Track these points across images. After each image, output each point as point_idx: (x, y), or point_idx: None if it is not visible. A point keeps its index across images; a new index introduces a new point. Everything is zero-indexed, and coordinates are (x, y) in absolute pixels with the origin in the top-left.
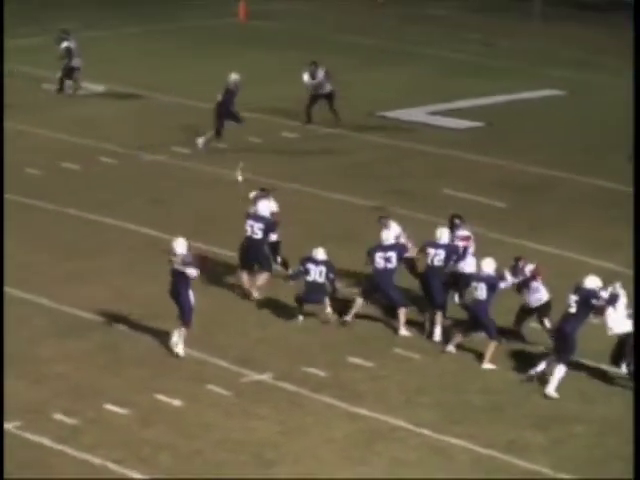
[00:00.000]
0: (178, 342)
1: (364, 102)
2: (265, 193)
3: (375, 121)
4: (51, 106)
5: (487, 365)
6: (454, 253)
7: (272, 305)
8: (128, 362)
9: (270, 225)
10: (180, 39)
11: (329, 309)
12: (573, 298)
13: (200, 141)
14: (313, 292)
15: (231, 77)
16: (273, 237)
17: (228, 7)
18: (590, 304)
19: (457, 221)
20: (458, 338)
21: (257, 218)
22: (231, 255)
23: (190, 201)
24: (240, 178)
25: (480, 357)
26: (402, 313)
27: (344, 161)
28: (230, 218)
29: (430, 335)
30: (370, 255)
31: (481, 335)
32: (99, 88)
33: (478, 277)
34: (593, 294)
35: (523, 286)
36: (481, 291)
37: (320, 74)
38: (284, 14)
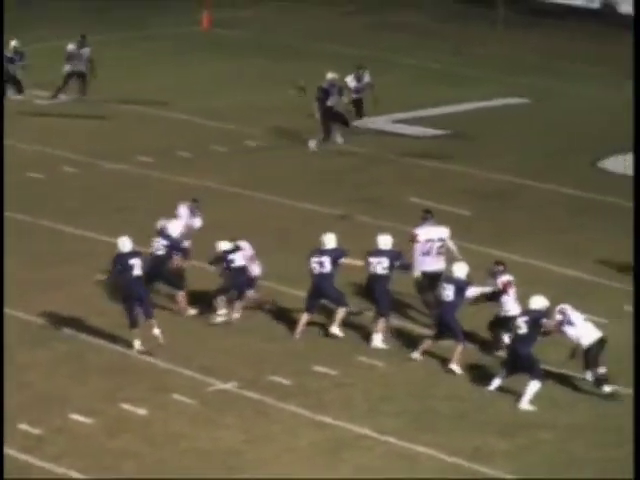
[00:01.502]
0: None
1: None
2: (196, 204)
3: (340, 129)
4: (15, 116)
5: (453, 366)
6: (397, 259)
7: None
8: (93, 371)
9: (175, 244)
10: (144, 47)
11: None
12: (522, 319)
13: (311, 144)
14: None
15: (327, 76)
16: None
17: (192, 15)
18: (540, 324)
19: (428, 215)
20: (425, 345)
21: (163, 235)
22: (194, 263)
23: (154, 210)
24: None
25: (445, 364)
26: (341, 312)
27: (310, 169)
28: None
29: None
30: (308, 259)
31: (448, 343)
32: (62, 97)
33: (448, 279)
34: (542, 314)
35: (493, 297)
36: (449, 292)
37: (367, 77)
38: (248, 22)
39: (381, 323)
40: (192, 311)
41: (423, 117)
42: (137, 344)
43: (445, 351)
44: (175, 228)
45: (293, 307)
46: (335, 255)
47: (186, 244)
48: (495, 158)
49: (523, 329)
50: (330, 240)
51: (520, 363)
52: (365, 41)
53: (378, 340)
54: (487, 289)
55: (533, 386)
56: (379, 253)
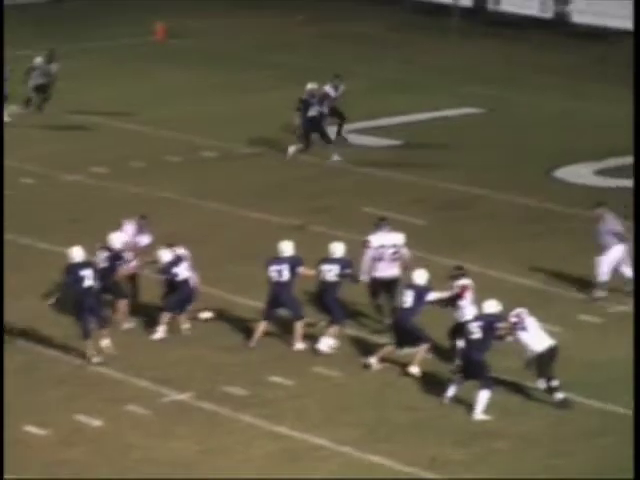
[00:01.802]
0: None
1: (284, 120)
2: (144, 221)
3: (294, 139)
4: None
5: (412, 369)
6: (347, 267)
7: (192, 324)
8: (47, 382)
9: (117, 256)
10: (99, 58)
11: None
12: (476, 324)
13: (290, 150)
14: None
15: (307, 87)
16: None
17: (146, 26)
18: (493, 329)
19: (382, 222)
20: (384, 352)
21: (105, 249)
22: (148, 274)
23: (109, 221)
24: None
25: (403, 372)
26: (298, 326)
27: (264, 180)
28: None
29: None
30: (265, 267)
31: (407, 351)
32: (16, 109)
33: (408, 285)
34: (495, 319)
35: (450, 302)
36: (408, 298)
37: (341, 88)
38: (202, 32)
39: (333, 329)
40: (127, 324)
41: (377, 127)
42: (92, 355)
43: (402, 360)
44: (117, 240)
45: (248, 317)
46: (293, 263)
47: (130, 256)
48: (450, 168)
49: (477, 334)
50: (288, 247)
51: (472, 369)
52: (318, 51)
53: (324, 344)
54: (446, 294)
55: (483, 395)
56: (330, 261)
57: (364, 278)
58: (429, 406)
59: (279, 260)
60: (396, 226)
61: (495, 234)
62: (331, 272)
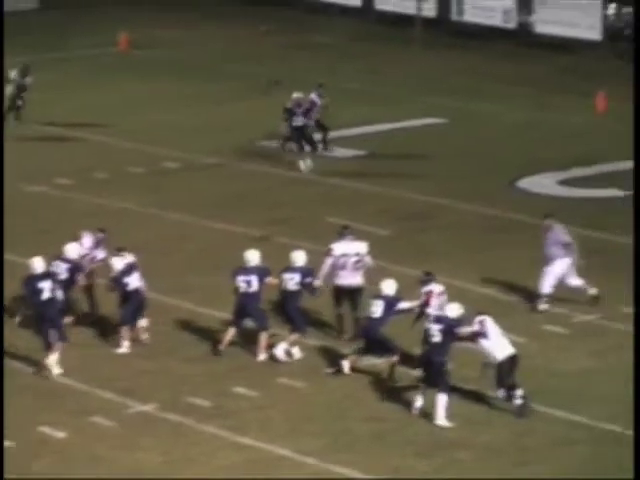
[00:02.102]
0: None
1: (247, 131)
2: (102, 235)
3: (257, 150)
4: None
5: (390, 383)
6: (308, 276)
7: (156, 335)
8: (12, 395)
9: (76, 267)
10: (63, 69)
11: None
12: (436, 327)
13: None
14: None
15: (292, 96)
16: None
17: (110, 36)
18: (453, 332)
19: (345, 231)
20: (351, 361)
21: (63, 259)
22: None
23: (74, 232)
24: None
25: (365, 384)
26: (263, 337)
27: (227, 190)
28: (109, 246)
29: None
30: (233, 277)
31: (375, 361)
32: None
33: (377, 295)
34: (456, 323)
35: (421, 310)
36: (377, 308)
37: (325, 98)
38: (166, 43)
39: (293, 336)
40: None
41: (341, 137)
42: (53, 366)
43: (363, 372)
44: (73, 251)
45: (212, 328)
46: (262, 274)
47: (85, 267)
48: (414, 178)
49: (436, 337)
50: (254, 257)
51: (432, 373)
52: (283, 62)
53: (280, 350)
54: (415, 303)
55: (441, 400)
56: (291, 270)
57: (318, 283)
58: (393, 417)
59: (247, 270)
60: (360, 236)
61: (459, 244)
62: (292, 281)
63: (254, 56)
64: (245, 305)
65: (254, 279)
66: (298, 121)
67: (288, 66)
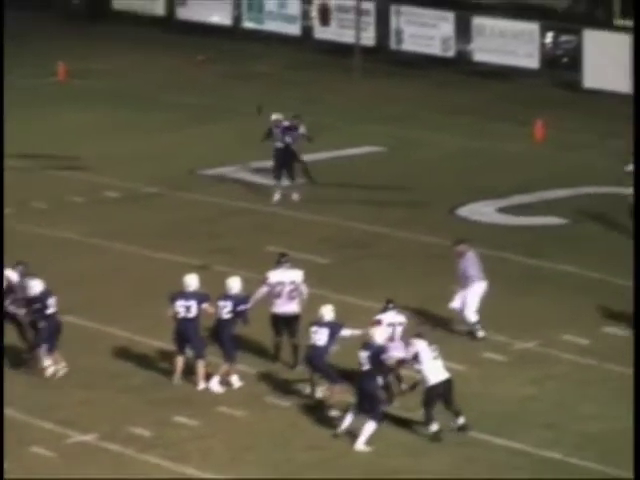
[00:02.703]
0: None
1: (186, 160)
2: (24, 267)
3: (197, 179)
4: None
5: (333, 413)
6: (241, 304)
7: (95, 365)
8: None
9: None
10: (5, 99)
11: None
12: (364, 355)
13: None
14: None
15: (272, 117)
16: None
17: (48, 67)
18: (380, 360)
19: (283, 259)
20: (312, 387)
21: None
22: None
23: (12, 262)
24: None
25: (306, 412)
26: (200, 366)
27: (167, 220)
28: (50, 276)
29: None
30: (171, 302)
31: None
32: None
33: (319, 323)
34: (382, 349)
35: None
36: (321, 335)
37: (302, 129)
38: (104, 73)
39: (224, 367)
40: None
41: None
42: None
43: (306, 400)
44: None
45: (152, 357)
46: (200, 299)
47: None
48: (353, 207)
49: (365, 365)
50: (193, 281)
51: (364, 400)
52: (220, 91)
53: (214, 384)
54: (358, 332)
55: (369, 427)
56: (225, 297)
57: (248, 307)
58: (334, 445)
59: (186, 296)
60: (300, 265)
61: (399, 272)
62: (225, 309)
63: (192, 86)
64: (184, 331)
65: (193, 304)
66: (278, 143)
67: (227, 95)
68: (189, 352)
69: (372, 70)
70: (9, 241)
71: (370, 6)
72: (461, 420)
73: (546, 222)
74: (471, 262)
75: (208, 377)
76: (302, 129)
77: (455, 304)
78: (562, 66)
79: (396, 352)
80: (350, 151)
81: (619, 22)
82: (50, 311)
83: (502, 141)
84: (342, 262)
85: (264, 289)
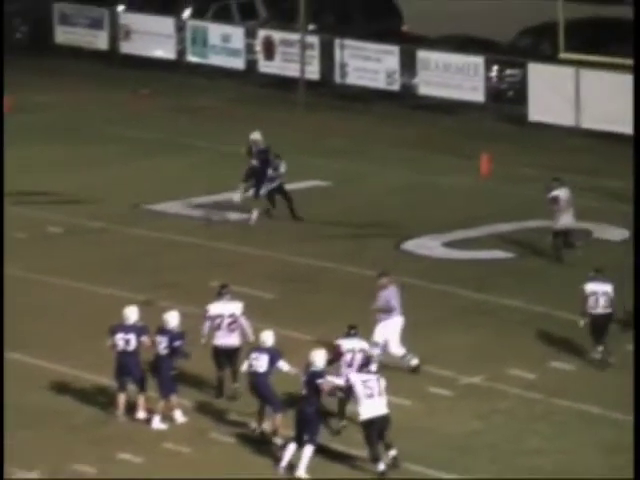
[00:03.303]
0: None
1: (130, 195)
2: None
3: (141, 214)
4: None
5: (277, 439)
6: (177, 339)
7: (40, 403)
8: None
9: None
10: None
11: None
12: (302, 379)
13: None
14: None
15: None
16: None
17: None
18: (315, 384)
19: (223, 290)
20: (264, 424)
21: None
22: None
23: None
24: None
25: (251, 446)
26: (141, 401)
27: (111, 255)
28: None
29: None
30: (111, 335)
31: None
32: None
33: (260, 349)
34: (319, 374)
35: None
36: (262, 362)
37: (282, 168)
38: (49, 106)
39: (162, 403)
40: None
41: (222, 201)
42: None
43: (251, 433)
44: None
45: (95, 394)
46: (139, 332)
47: None
48: (297, 241)
49: (303, 390)
50: (133, 314)
51: (302, 425)
52: (164, 125)
53: (156, 422)
54: (294, 370)
55: (307, 451)
56: (162, 332)
57: (182, 343)
58: (280, 477)
59: (126, 328)
60: (244, 300)
61: (344, 307)
62: (162, 345)
63: (136, 120)
64: (124, 364)
65: (132, 337)
66: (253, 161)
67: (171, 129)
68: (131, 387)
69: (317, 104)
70: None
71: (314, 40)
72: (392, 453)
73: (492, 256)
74: (394, 294)
75: (150, 412)
76: (282, 168)
77: (377, 338)
78: (507, 100)
79: (336, 378)
80: (295, 185)
81: (564, 56)
82: None
83: (447, 175)
84: (287, 297)
85: (207, 323)
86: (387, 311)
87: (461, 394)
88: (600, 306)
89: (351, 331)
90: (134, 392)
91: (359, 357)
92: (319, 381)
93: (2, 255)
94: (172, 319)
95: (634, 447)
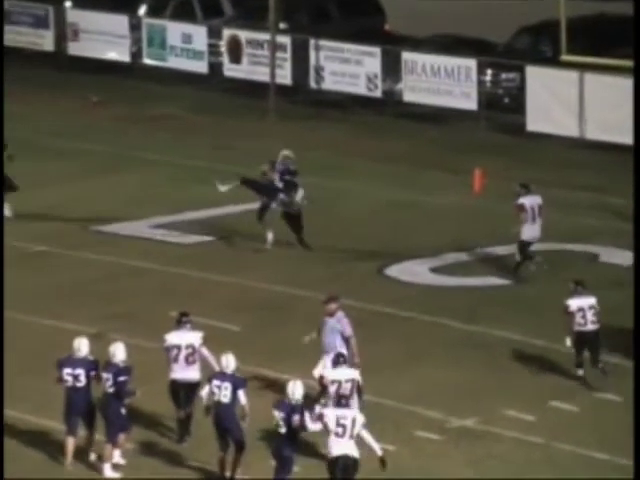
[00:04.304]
0: None
1: (79, 215)
2: None
3: (91, 236)
4: None
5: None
6: (122, 375)
7: None
8: None
9: None
10: None
11: None
12: (280, 415)
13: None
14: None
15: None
16: None
17: None
18: (293, 421)
19: (183, 318)
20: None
21: None
22: None
23: None
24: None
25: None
26: (107, 449)
27: (58, 281)
28: None
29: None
30: (58, 369)
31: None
32: None
33: (222, 376)
34: (297, 408)
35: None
36: (225, 392)
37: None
38: None
39: (108, 448)
40: None
41: (184, 221)
42: None
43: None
44: None
45: (41, 438)
46: (89, 367)
47: None
48: (266, 266)
49: (282, 428)
50: (83, 346)
51: (279, 464)
52: (117, 137)
53: (108, 471)
54: (245, 409)
55: None
56: (107, 368)
57: (126, 379)
58: None
59: (74, 363)
60: (208, 332)
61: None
62: (108, 382)
63: (86, 131)
64: (74, 402)
65: (81, 373)
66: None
67: (125, 142)
68: (80, 430)
69: (289, 112)
70: None
71: (286, 40)
72: None
73: (485, 283)
74: (346, 322)
75: (100, 459)
76: (300, 193)
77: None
78: (503, 107)
79: (312, 421)
80: None
81: (566, 58)
82: None
83: (436, 193)
84: (254, 328)
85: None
86: (332, 342)
87: (451, 438)
88: (589, 321)
89: (339, 359)
90: (85, 435)
91: (347, 387)
92: (295, 418)
93: (2, 265)
94: (118, 352)
95: (634, 448)
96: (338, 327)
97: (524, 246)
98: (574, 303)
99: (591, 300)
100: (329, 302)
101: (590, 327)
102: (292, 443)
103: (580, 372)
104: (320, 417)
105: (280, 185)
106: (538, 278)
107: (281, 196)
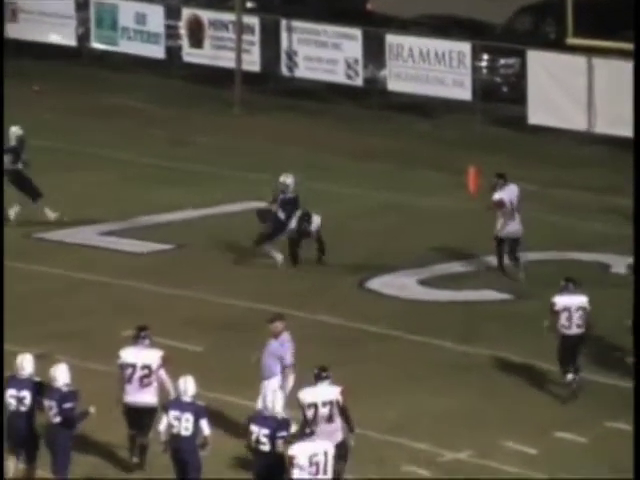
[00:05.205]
0: None
1: (20, 221)
2: None
3: (33, 245)
4: None
5: None
6: (66, 401)
7: None
8: None
9: None
10: None
11: None
12: (263, 432)
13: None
14: None
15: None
16: None
17: None
18: (279, 437)
19: (141, 333)
20: None
21: None
22: None
23: None
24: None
25: None
26: (31, 474)
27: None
28: None
29: None
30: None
31: None
32: None
33: (181, 405)
34: (284, 427)
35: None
36: (187, 424)
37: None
38: None
39: None
40: None
41: (140, 227)
42: None
43: None
44: None
45: None
46: (35, 389)
47: None
48: (233, 279)
49: (266, 446)
50: (28, 364)
51: None
52: (62, 131)
53: None
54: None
55: None
56: (49, 395)
57: (72, 406)
58: None
59: (19, 383)
60: (166, 353)
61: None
62: (52, 410)
63: (26, 125)
64: (17, 428)
65: (27, 395)
66: (277, 211)
67: (71, 137)
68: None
69: (258, 103)
70: None
71: (254, 21)
72: None
73: (481, 297)
74: (289, 347)
75: None
76: (316, 221)
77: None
78: (501, 97)
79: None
80: (230, 207)
81: (572, 41)
82: None
83: (426, 194)
84: (217, 349)
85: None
86: (279, 367)
87: (442, 473)
88: (574, 324)
89: (322, 374)
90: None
91: (324, 412)
92: (280, 434)
93: (2, 261)
94: (60, 375)
95: (634, 449)
96: (280, 352)
97: (502, 242)
98: (560, 301)
99: (580, 299)
100: (274, 321)
101: (574, 331)
102: (279, 463)
103: (569, 377)
104: (290, 461)
105: (283, 217)
106: (541, 292)
107: (291, 227)
